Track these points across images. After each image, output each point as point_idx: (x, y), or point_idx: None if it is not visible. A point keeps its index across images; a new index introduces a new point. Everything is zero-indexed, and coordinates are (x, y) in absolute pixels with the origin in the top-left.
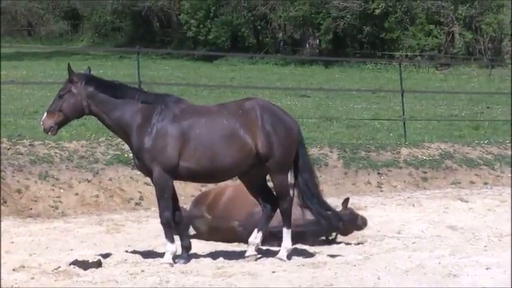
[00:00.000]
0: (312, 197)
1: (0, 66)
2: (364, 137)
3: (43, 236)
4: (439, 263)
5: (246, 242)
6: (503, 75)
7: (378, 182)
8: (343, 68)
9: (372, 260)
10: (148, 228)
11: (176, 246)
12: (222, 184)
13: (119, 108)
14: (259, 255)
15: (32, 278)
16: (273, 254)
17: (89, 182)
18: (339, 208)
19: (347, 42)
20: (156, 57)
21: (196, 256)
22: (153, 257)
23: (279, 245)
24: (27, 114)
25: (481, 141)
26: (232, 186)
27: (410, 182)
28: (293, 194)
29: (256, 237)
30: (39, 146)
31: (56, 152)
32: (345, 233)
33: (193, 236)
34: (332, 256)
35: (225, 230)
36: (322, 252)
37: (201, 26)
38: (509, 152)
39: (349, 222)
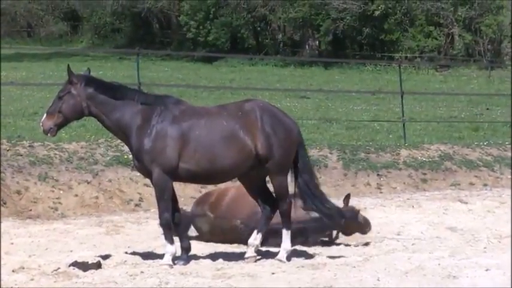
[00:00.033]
0: (314, 196)
1: (0, 67)
2: (364, 138)
3: (43, 237)
4: (439, 264)
5: (247, 240)
6: (502, 77)
7: (377, 184)
8: (343, 69)
9: (371, 262)
10: (148, 229)
11: (176, 247)
12: (224, 185)
13: (118, 110)
14: (258, 257)
15: (32, 279)
16: (273, 255)
17: (88, 183)
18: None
19: (347, 44)
20: (155, 59)
21: (195, 257)
22: (153, 259)
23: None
24: (27, 116)
25: (481, 143)
26: (236, 187)
27: (409, 184)
28: (294, 195)
29: (255, 238)
30: (39, 147)
31: (55, 153)
32: (348, 232)
33: (193, 238)
34: (332, 257)
35: (227, 229)
36: (321, 253)
37: (201, 27)
38: (509, 154)
39: (351, 219)
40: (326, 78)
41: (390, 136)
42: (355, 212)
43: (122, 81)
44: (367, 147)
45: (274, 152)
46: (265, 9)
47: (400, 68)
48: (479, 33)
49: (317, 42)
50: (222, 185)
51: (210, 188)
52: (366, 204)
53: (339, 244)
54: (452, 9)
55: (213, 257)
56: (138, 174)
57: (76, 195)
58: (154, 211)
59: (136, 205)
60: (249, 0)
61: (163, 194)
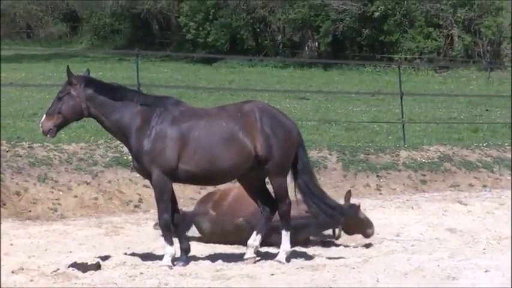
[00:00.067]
0: (313, 196)
1: (0, 68)
2: (363, 139)
3: (42, 238)
4: (438, 265)
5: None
6: (502, 78)
7: (377, 185)
8: (342, 70)
9: (371, 263)
10: (147, 230)
11: (175, 248)
12: (226, 186)
13: (118, 111)
14: (258, 258)
15: (31, 280)
16: (272, 256)
17: (88, 184)
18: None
19: (346, 45)
20: (155, 60)
21: (195, 258)
22: (152, 260)
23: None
24: (26, 117)
25: (480, 144)
26: (238, 187)
27: (409, 185)
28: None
29: (255, 239)
30: (38, 148)
31: (55, 154)
32: (349, 232)
33: (193, 239)
34: (331, 258)
35: (230, 227)
36: (321, 254)
37: (200, 28)
38: (508, 155)
39: (352, 216)
40: (325, 80)
41: (390, 137)
42: (355, 208)
43: (121, 82)
44: (367, 149)
45: (273, 153)
46: (265, 10)
47: (399, 69)
48: (478, 35)
49: (316, 43)
50: (224, 186)
51: (212, 188)
52: (365, 206)
53: (338, 245)
54: (451, 10)
55: (213, 258)
56: (138, 175)
57: (75, 196)
58: (154, 212)
59: (135, 206)
60: (249, 1)
61: (162, 195)
